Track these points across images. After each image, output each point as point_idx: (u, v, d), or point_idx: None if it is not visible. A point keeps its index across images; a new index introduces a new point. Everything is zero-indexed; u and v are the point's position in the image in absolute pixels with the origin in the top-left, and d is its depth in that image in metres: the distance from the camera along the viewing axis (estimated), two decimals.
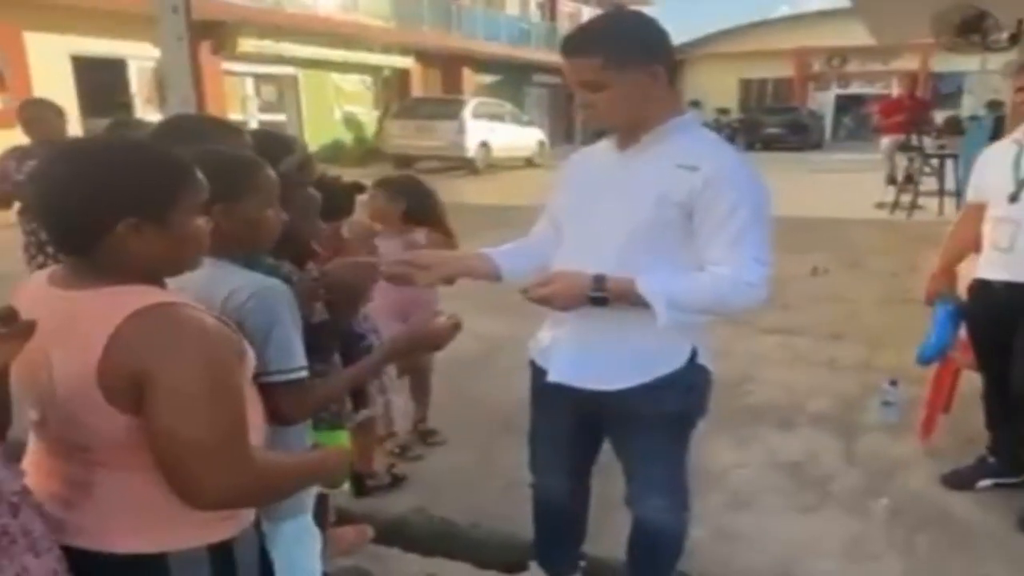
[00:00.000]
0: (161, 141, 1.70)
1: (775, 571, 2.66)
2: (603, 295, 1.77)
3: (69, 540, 1.24)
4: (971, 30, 7.67)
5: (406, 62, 21.57)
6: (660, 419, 1.96)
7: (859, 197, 11.38)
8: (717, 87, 29.64)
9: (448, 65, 22.88)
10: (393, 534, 2.86)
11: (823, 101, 31.22)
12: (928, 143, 10.61)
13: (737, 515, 2.98)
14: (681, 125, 1.85)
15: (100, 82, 13.63)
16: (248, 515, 1.41)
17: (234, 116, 16.08)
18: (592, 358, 1.94)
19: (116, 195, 1.21)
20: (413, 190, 3.36)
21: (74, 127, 11.44)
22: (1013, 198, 2.80)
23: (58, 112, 4.06)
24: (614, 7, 1.89)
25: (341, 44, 18.37)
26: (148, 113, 13.91)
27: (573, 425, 2.13)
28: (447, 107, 17.31)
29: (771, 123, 25.60)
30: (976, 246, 3.05)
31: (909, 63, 24.62)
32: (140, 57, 14.16)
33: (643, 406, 1.92)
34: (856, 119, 29.94)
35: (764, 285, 1.76)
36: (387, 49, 20.37)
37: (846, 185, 12.47)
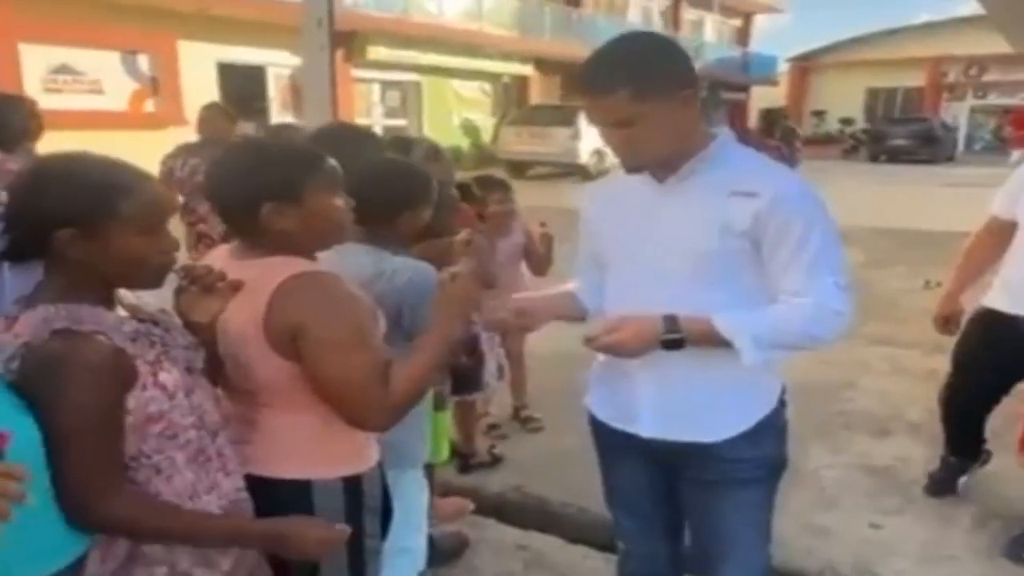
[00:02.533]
0: (319, 145, 2.02)
1: (854, 566, 2.79)
2: (678, 337, 1.61)
3: (243, 468, 1.57)
4: None
5: (525, 69, 22.00)
6: (758, 469, 1.79)
7: (985, 212, 10.91)
8: (842, 96, 28.82)
9: (567, 73, 23.18)
10: (491, 508, 3.14)
11: (957, 112, 29.75)
12: None
13: (823, 512, 3.13)
14: (721, 148, 1.69)
15: (241, 87, 14.62)
16: (373, 456, 1.72)
17: (360, 121, 16.94)
18: (686, 407, 1.76)
19: (257, 183, 1.52)
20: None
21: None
22: None
23: (228, 116, 4.61)
24: (630, 32, 1.73)
25: (463, 52, 18.99)
26: (283, 117, 14.86)
27: (654, 480, 1.93)
28: (563, 114, 17.59)
29: (898, 134, 24.63)
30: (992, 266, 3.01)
31: None
32: (278, 64, 15.14)
33: (742, 455, 1.75)
34: (992, 131, 28.37)
35: (849, 310, 1.62)
36: (507, 57, 20.86)
37: (972, 199, 11.88)
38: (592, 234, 1.92)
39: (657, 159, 1.67)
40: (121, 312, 1.38)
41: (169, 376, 1.36)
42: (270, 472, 1.60)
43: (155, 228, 1.34)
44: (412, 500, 2.16)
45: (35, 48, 11.55)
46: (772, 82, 33.62)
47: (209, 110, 4.67)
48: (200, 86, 13.20)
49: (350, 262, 1.82)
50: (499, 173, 3.35)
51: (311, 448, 1.62)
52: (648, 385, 1.78)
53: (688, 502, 1.89)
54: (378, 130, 16.82)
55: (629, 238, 1.78)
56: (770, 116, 25.19)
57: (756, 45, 33.86)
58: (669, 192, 1.70)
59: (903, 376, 4.67)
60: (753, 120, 36.13)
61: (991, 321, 2.93)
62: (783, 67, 33.86)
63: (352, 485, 1.66)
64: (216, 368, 1.56)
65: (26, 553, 1.19)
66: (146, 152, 3.41)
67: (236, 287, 1.47)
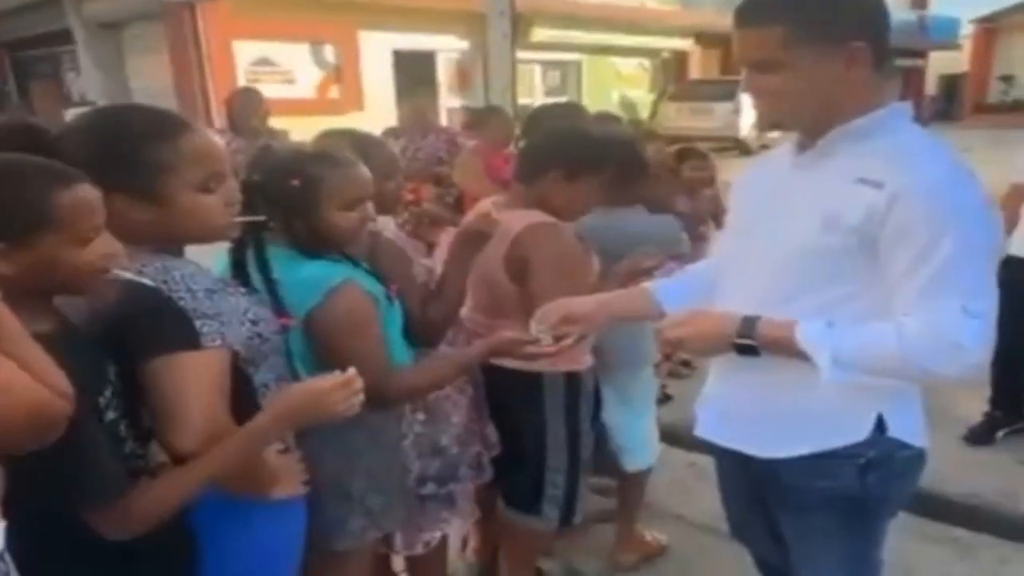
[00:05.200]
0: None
1: (997, 492, 3.06)
2: (750, 343, 1.44)
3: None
4: None
5: (685, 44, 21.82)
6: (827, 502, 1.56)
7: None
8: None
9: (728, 46, 22.69)
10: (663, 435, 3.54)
11: None
12: None
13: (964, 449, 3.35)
14: (879, 124, 1.42)
15: (413, 73, 15.54)
16: (588, 360, 2.24)
17: (522, 101, 17.54)
18: (742, 413, 1.63)
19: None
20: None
21: (390, 111, 13.41)
22: None
23: (428, 104, 5.35)
24: None
25: (623, 29, 19.13)
26: (450, 99, 15.69)
27: (746, 489, 1.80)
28: (723, 88, 17.42)
29: None
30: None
31: None
32: (446, 49, 15.97)
33: (803, 483, 1.56)
34: None
35: (979, 345, 1.31)
36: (667, 32, 20.77)
37: None
38: (727, 220, 1.77)
39: (799, 121, 1.47)
40: None
41: None
42: (511, 365, 2.09)
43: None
44: (643, 399, 2.68)
45: (243, 44, 12.94)
46: (954, 46, 31.33)
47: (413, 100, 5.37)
48: (377, 73, 14.28)
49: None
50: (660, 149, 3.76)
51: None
52: (719, 384, 1.70)
53: (775, 518, 1.74)
54: None
55: (745, 222, 1.63)
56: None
57: (936, 6, 31.63)
58: (800, 170, 1.51)
59: None
60: (932, 88, 33.90)
61: (1012, 268, 2.91)
62: (966, 29, 31.47)
63: (572, 380, 2.21)
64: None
65: None
66: None
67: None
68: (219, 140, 1.42)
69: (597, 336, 2.31)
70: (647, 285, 1.86)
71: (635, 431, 2.63)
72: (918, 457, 1.57)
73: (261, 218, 1.57)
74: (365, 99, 14.23)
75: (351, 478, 1.69)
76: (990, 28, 30.20)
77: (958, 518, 3.01)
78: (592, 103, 19.12)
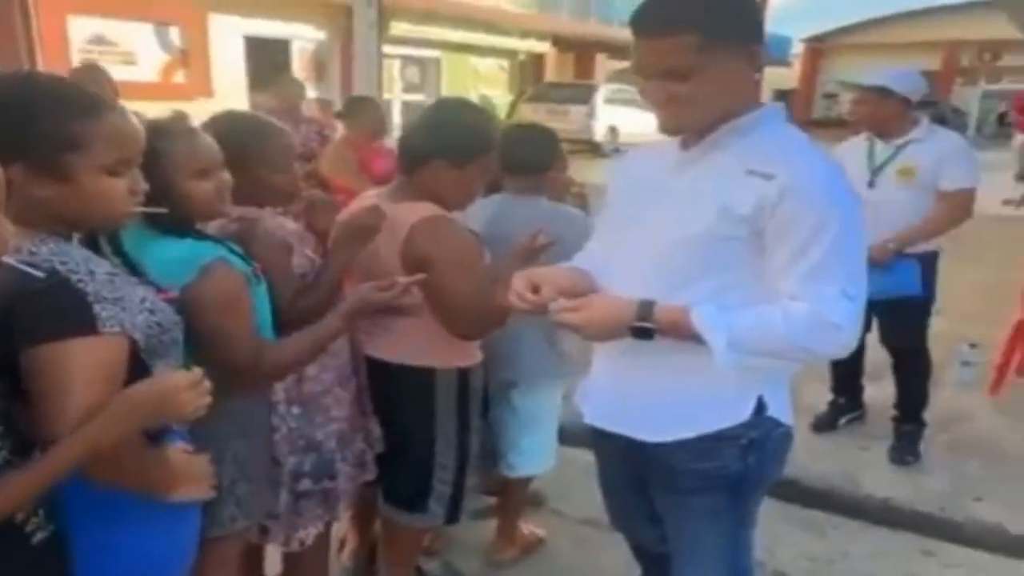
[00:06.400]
0: None
1: (842, 475, 3.29)
2: (648, 326, 1.46)
3: (371, 351, 2.06)
4: None
5: (542, 47, 22.28)
6: (710, 483, 1.62)
7: (990, 193, 11.27)
8: (855, 79, 28.88)
9: (582, 50, 23.45)
10: None
11: (969, 96, 29.83)
12: None
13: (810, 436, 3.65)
14: (760, 121, 1.50)
15: (266, 61, 14.97)
16: (479, 355, 2.22)
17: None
18: (631, 401, 1.66)
19: None
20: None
21: (242, 99, 12.83)
22: (871, 184, 3.26)
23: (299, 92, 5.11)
24: None
25: (482, 28, 19.27)
26: (307, 90, 15.24)
27: (629, 477, 1.84)
28: (579, 92, 17.92)
29: None
30: None
31: None
32: (302, 38, 15.49)
33: (689, 465, 1.61)
34: (997, 116, 28.47)
35: (853, 325, 1.42)
36: (525, 34, 21.13)
37: (979, 182, 12.40)
38: (604, 208, 1.79)
39: (704, 124, 1.49)
40: None
41: None
42: (401, 360, 2.11)
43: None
44: (546, 412, 2.66)
45: (79, 19, 11.94)
46: (785, 63, 33.65)
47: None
48: (228, 59, 13.63)
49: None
50: None
51: (433, 344, 2.11)
52: (607, 370, 1.71)
53: (656, 505, 1.80)
54: (397, 105, 17.30)
55: (628, 211, 1.65)
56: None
57: (771, 25, 33.83)
58: (688, 163, 1.55)
59: None
60: (767, 101, 36.00)
61: None
62: (797, 48, 33.89)
63: (463, 375, 2.18)
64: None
65: None
66: None
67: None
68: (139, 126, 1.34)
69: (506, 347, 2.37)
70: (577, 265, 1.81)
71: (532, 442, 2.62)
72: (789, 435, 1.67)
73: (162, 210, 1.48)
74: (215, 86, 13.54)
75: (219, 466, 1.62)
76: (817, 48, 32.70)
77: (810, 500, 3.22)
78: None
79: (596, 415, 1.74)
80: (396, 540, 2.39)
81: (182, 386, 1.24)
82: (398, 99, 17.73)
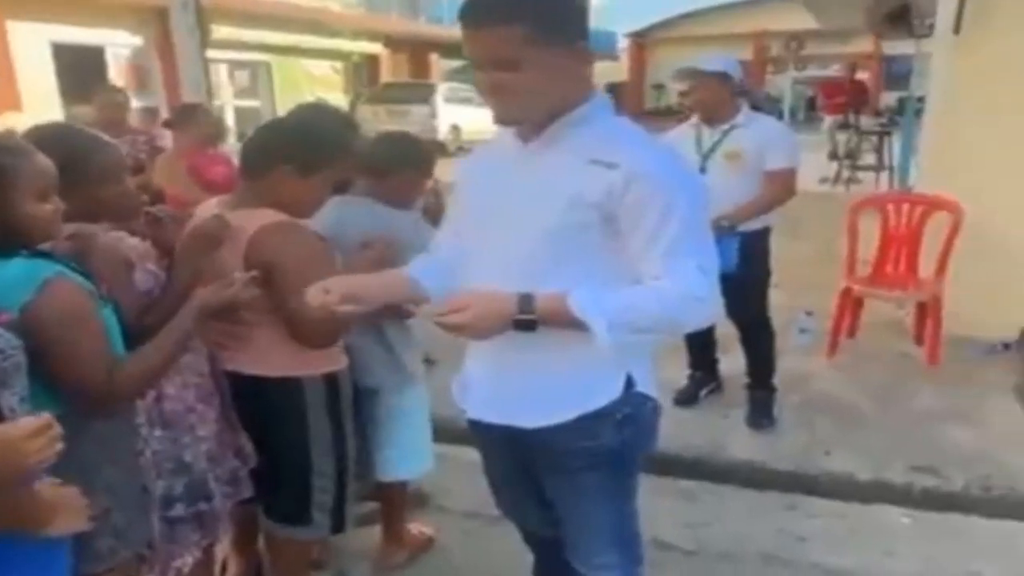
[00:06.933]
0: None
1: (708, 444, 3.48)
2: (531, 318, 1.48)
3: (234, 367, 1.96)
4: (898, 18, 8.50)
5: (375, 48, 22.02)
6: (593, 460, 1.69)
7: (807, 172, 12.18)
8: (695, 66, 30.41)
9: (416, 51, 23.38)
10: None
11: (781, 84, 32.15)
12: (865, 122, 11.49)
13: (675, 410, 3.79)
14: (593, 112, 1.57)
15: (79, 70, 13.97)
16: (344, 359, 2.16)
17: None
18: (509, 390, 1.70)
19: None
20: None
21: (56, 112, 11.90)
22: (702, 169, 3.41)
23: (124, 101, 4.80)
24: None
25: (311, 31, 18.80)
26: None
27: (514, 465, 1.87)
28: (418, 91, 17.86)
29: None
30: None
31: (864, 46, 25.53)
32: (117, 44, 14.53)
33: (571, 446, 1.67)
34: (806, 102, 30.89)
35: (714, 297, 1.53)
36: (356, 35, 20.80)
37: (799, 162, 13.43)
38: (456, 205, 1.82)
39: (534, 115, 1.54)
40: None
41: None
42: (263, 372, 2.03)
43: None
44: (413, 413, 2.61)
45: None
46: (613, 57, 34.97)
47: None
48: (34, 68, 12.57)
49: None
50: None
51: (293, 352, 2.03)
52: (484, 364, 1.74)
53: (546, 489, 1.83)
54: (230, 111, 16.59)
55: (485, 207, 1.66)
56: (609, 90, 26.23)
57: (596, 20, 35.09)
58: (531, 156, 1.59)
59: None
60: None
61: None
62: (623, 43, 35.31)
63: (331, 381, 2.12)
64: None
65: None
66: None
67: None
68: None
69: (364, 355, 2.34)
70: (401, 270, 1.82)
71: (405, 444, 2.57)
72: (657, 408, 1.76)
73: None
74: (22, 98, 12.45)
75: (92, 496, 1.50)
76: (641, 42, 34.20)
77: (681, 471, 3.36)
78: (286, 105, 18.68)
79: (477, 408, 1.78)
80: (282, 556, 2.31)
81: (26, 434, 1.13)
82: (230, 105, 17.00)
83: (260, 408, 2.08)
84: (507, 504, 2.03)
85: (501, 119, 1.57)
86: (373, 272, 1.96)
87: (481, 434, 1.84)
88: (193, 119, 4.31)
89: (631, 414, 1.67)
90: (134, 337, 1.70)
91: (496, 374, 1.71)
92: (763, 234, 3.59)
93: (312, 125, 2.16)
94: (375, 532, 2.77)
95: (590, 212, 1.49)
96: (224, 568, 2.51)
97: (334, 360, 2.13)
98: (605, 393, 1.64)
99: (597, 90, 1.63)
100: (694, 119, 3.60)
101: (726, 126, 3.46)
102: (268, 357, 2.04)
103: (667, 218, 1.47)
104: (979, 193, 4.22)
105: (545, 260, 1.54)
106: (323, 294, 1.59)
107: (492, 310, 1.50)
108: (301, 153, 2.02)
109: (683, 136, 3.60)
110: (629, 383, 1.65)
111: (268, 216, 1.97)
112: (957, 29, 4.39)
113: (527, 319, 1.49)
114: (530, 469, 1.82)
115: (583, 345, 1.48)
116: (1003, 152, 4.32)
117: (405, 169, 2.52)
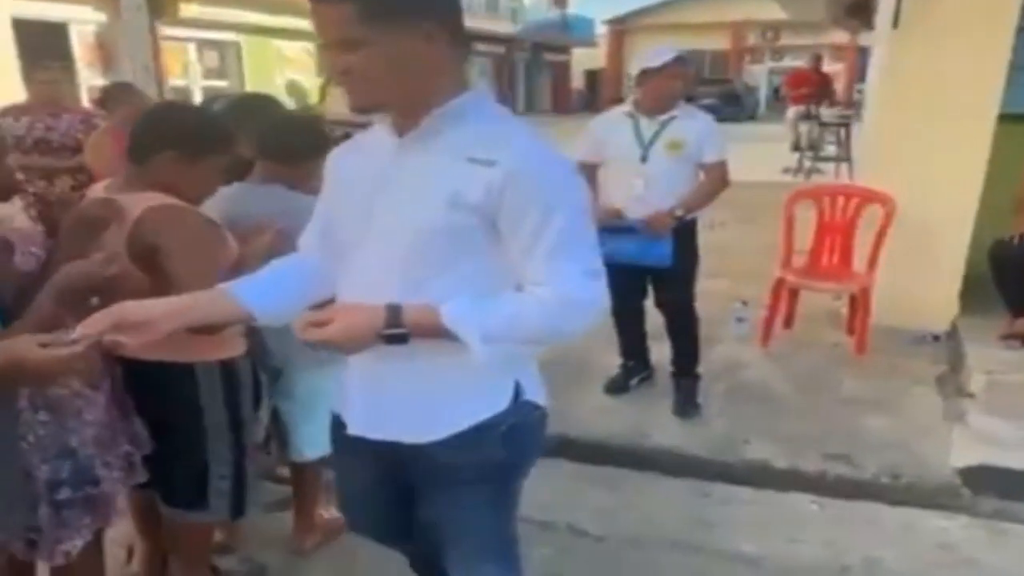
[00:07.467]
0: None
1: (633, 432, 3.52)
2: (401, 332, 1.41)
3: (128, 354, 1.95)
4: (857, 11, 8.55)
5: None
6: (478, 473, 1.61)
7: (773, 162, 12.33)
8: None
9: None
10: None
11: (758, 74, 32.33)
12: (826, 113, 11.58)
13: (604, 398, 3.86)
14: (470, 106, 1.47)
15: (41, 46, 13.72)
16: (242, 346, 2.15)
17: (177, 82, 16.34)
18: (391, 405, 1.61)
19: None
20: None
21: (17, 90, 11.70)
22: (643, 159, 3.47)
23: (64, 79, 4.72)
24: None
25: (283, 10, 18.58)
26: (91, 77, 14.11)
27: (382, 479, 1.78)
28: None
29: (706, 94, 26.42)
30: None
31: (839, 38, 25.61)
32: (80, 21, 14.28)
33: (455, 459, 1.59)
34: (775, 91, 31.02)
35: (600, 299, 1.46)
36: None
37: (765, 153, 13.43)
38: (324, 202, 1.69)
39: (385, 101, 1.45)
40: None
41: None
42: (157, 357, 1.97)
43: None
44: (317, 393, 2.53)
45: None
46: (592, 44, 34.93)
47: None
48: None
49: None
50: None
51: (189, 338, 1.96)
52: (362, 377, 1.64)
53: (418, 503, 1.74)
54: (197, 91, 16.41)
55: (356, 207, 1.54)
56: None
57: (574, 7, 35.02)
58: (406, 152, 1.49)
59: None
60: (578, 81, 37.29)
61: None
62: (601, 29, 35.26)
63: (227, 368, 2.11)
64: None
65: None
66: None
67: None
68: None
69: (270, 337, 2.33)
70: (223, 286, 1.63)
71: (314, 425, 2.56)
72: (544, 417, 1.69)
73: None
74: None
75: None
76: (619, 29, 34.19)
77: (604, 458, 3.40)
78: (256, 86, 18.52)
79: (357, 425, 1.67)
80: (182, 540, 2.30)
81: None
82: (197, 85, 16.80)
83: (153, 393, 2.08)
84: (365, 521, 1.95)
85: (352, 105, 1.45)
86: (267, 256, 1.94)
87: (354, 449, 1.71)
88: (121, 98, 4.28)
89: (517, 424, 1.59)
90: (14, 319, 1.68)
91: (375, 388, 1.62)
92: (692, 225, 3.63)
93: (199, 109, 2.14)
94: (289, 517, 2.79)
95: (471, 213, 1.40)
96: (130, 553, 2.51)
97: (229, 347, 2.12)
98: (492, 404, 1.58)
99: (476, 83, 1.54)
100: (627, 107, 3.61)
101: (665, 117, 3.49)
102: (160, 343, 2.02)
103: (548, 219, 1.39)
104: (913, 186, 4.29)
105: (423, 266, 1.45)
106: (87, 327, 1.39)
107: (357, 324, 1.42)
108: (186, 138, 2.01)
109: (617, 123, 3.62)
110: (518, 392, 1.59)
111: (156, 199, 1.96)
112: (896, 23, 4.43)
113: (396, 333, 1.41)
114: (402, 483, 1.72)
115: (467, 354, 1.40)
116: (938, 146, 4.37)
117: (318, 157, 2.52)
